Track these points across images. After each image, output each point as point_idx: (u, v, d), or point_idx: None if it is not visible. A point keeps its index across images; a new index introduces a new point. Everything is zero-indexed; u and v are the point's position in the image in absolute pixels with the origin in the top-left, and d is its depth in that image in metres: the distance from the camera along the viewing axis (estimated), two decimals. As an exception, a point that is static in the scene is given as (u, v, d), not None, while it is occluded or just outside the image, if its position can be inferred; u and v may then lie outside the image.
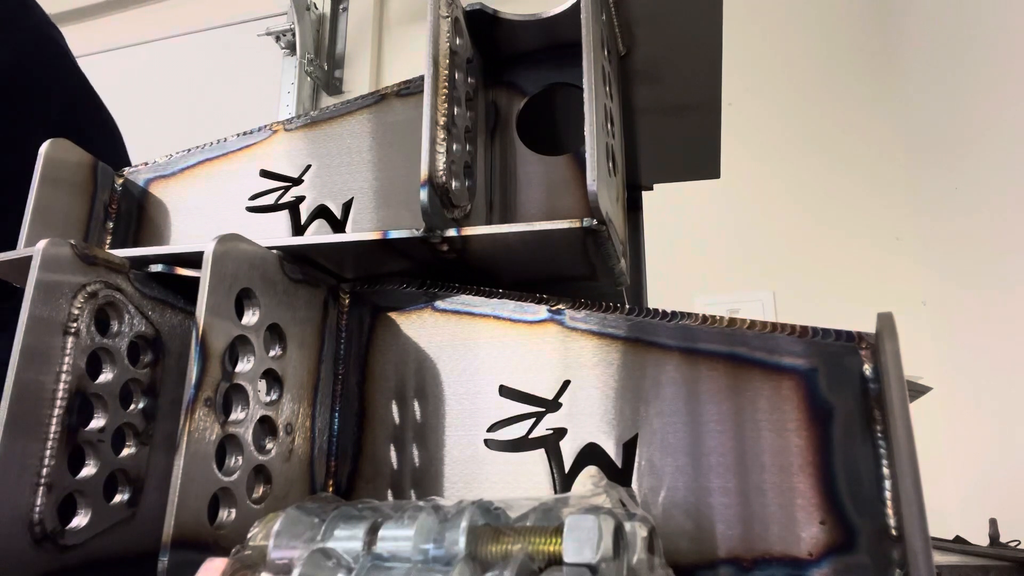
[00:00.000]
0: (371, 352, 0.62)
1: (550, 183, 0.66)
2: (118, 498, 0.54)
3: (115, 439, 0.54)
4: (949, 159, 1.32)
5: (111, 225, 0.73)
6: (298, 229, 0.69)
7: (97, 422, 0.53)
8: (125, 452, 0.55)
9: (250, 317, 0.53)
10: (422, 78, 0.57)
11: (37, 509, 0.47)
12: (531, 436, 0.55)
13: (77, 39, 2.67)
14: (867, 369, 0.49)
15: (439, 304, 0.60)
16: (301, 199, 0.70)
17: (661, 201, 1.05)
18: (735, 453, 0.50)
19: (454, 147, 0.58)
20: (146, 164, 0.76)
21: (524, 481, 0.54)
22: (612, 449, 0.53)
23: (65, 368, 0.50)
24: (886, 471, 0.46)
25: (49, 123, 0.65)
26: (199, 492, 0.47)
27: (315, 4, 2.35)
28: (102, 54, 2.55)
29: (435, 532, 0.36)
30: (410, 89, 0.69)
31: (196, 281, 0.49)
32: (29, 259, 0.50)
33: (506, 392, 0.57)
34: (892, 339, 0.44)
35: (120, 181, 0.75)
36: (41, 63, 0.71)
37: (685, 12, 0.67)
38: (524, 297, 0.58)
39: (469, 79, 0.64)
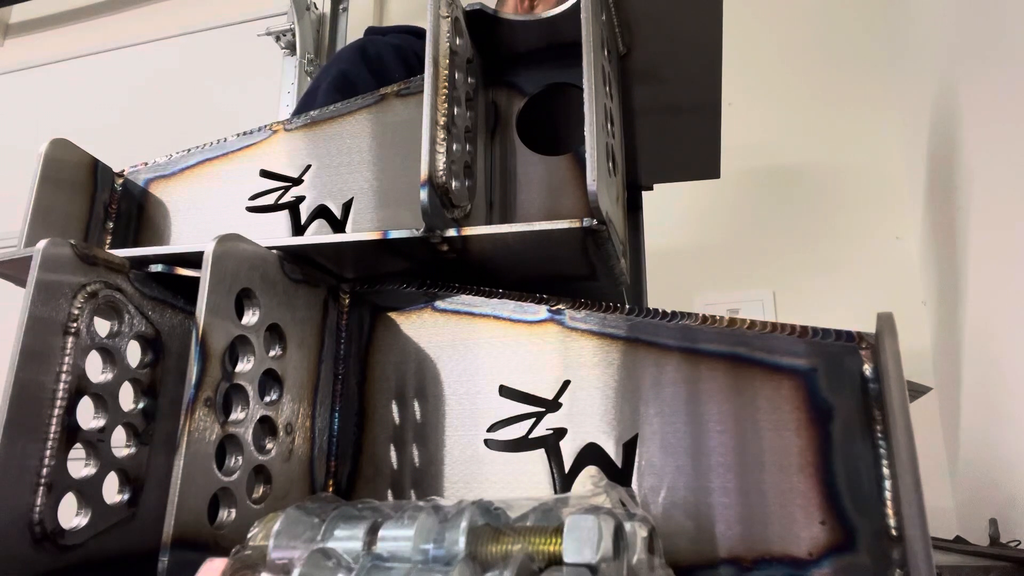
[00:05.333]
0: (371, 352, 0.62)
1: (550, 183, 0.66)
2: (118, 498, 0.54)
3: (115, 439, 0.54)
4: (949, 159, 1.32)
5: (111, 225, 0.73)
6: (298, 229, 0.69)
7: (97, 422, 0.53)
8: (125, 452, 0.55)
9: (250, 317, 0.53)
10: (422, 78, 0.57)
11: (37, 509, 0.47)
12: (531, 436, 0.55)
13: (77, 39, 2.66)
14: (867, 369, 0.49)
15: (439, 304, 0.60)
16: (301, 199, 0.70)
17: (661, 201, 1.05)
18: (735, 453, 0.50)
19: (454, 147, 0.58)
20: (146, 164, 0.76)
21: (524, 481, 0.54)
22: (612, 449, 0.53)
23: (65, 368, 0.50)
24: (886, 471, 0.46)
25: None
26: (199, 492, 0.47)
27: (315, 4, 2.35)
28: (102, 54, 2.55)
29: (435, 532, 0.36)
30: (410, 89, 0.69)
31: (196, 281, 0.49)
32: (29, 259, 0.50)
33: (506, 392, 0.57)
34: (892, 339, 0.44)
35: (120, 181, 0.75)
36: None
37: (685, 12, 0.67)
38: (524, 297, 0.58)
39: (469, 79, 0.64)
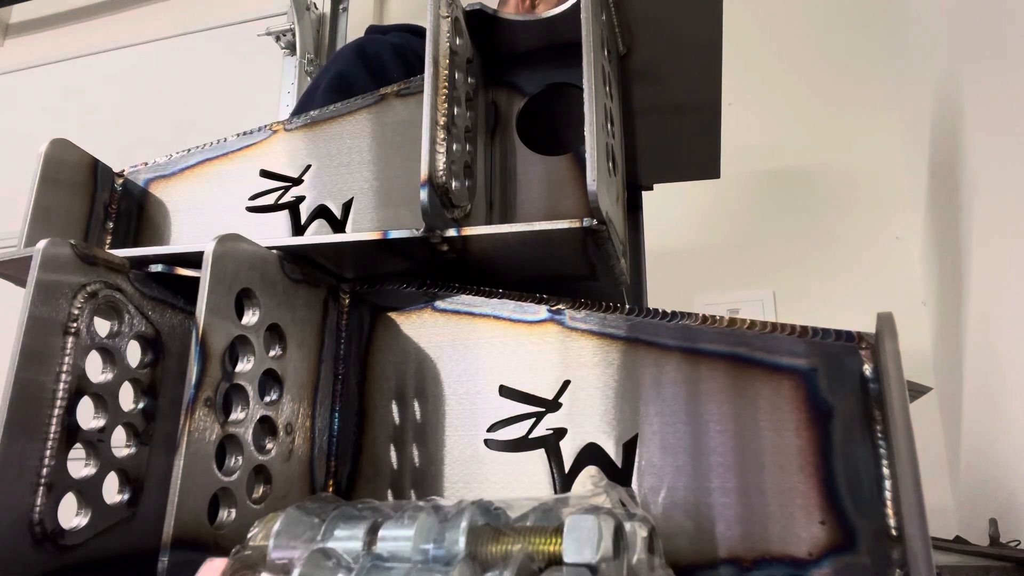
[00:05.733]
0: (371, 352, 0.62)
1: (550, 183, 0.66)
2: (118, 498, 0.54)
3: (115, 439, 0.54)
4: (949, 159, 1.32)
5: (111, 225, 0.73)
6: (298, 229, 0.69)
7: (97, 422, 0.53)
8: (125, 452, 0.55)
9: (250, 317, 0.53)
10: (422, 78, 0.57)
11: (37, 509, 0.47)
12: (531, 436, 0.55)
13: (77, 39, 2.66)
14: (867, 369, 0.49)
15: (439, 304, 0.60)
16: (301, 199, 0.70)
17: (661, 201, 1.05)
18: (735, 453, 0.50)
19: (454, 147, 0.58)
20: (146, 164, 0.76)
21: (524, 481, 0.54)
22: (612, 449, 0.53)
23: (65, 368, 0.50)
24: (886, 471, 0.46)
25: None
26: (199, 492, 0.47)
27: (315, 4, 2.35)
28: (102, 54, 2.55)
29: (435, 532, 0.36)
30: (410, 89, 0.69)
31: (196, 281, 0.49)
32: (29, 259, 0.50)
33: (506, 392, 0.57)
34: (892, 339, 0.44)
35: (120, 181, 0.75)
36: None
37: (685, 12, 0.67)
38: (524, 297, 0.58)
39: (469, 79, 0.64)
